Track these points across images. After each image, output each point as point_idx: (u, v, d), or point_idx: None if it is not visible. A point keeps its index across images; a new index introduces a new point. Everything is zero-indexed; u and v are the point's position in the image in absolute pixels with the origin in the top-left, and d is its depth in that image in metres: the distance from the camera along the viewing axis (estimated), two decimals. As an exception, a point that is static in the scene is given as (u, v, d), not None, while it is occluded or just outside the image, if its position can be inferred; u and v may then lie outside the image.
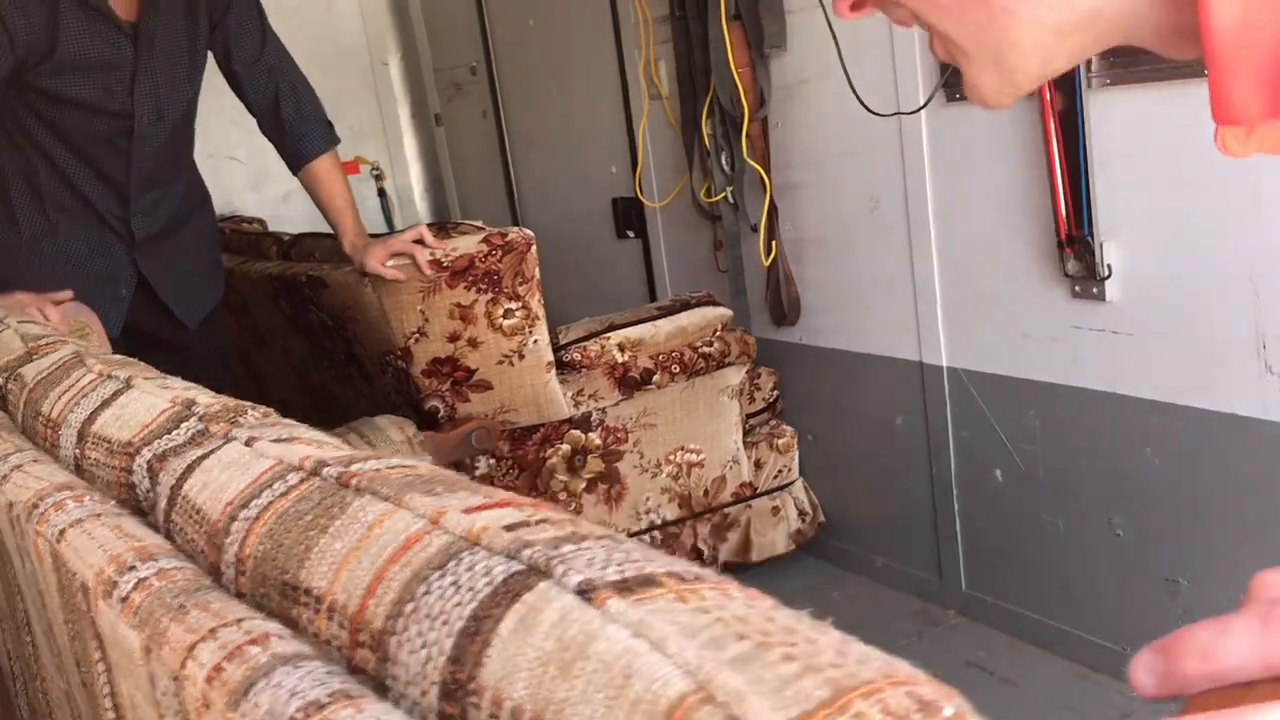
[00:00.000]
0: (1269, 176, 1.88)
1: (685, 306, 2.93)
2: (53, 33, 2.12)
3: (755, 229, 2.89)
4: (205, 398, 0.84)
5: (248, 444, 0.69)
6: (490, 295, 2.40)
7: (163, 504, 0.71)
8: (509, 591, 0.40)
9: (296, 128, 2.41)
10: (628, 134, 3.43)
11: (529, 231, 2.45)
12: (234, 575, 0.59)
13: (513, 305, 2.43)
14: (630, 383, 2.78)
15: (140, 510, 0.80)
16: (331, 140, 2.45)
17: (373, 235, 2.47)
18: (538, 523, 0.44)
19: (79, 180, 2.30)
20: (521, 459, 2.72)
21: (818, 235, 2.83)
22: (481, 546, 0.43)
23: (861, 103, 2.46)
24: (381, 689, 0.44)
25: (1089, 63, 2.08)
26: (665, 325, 2.84)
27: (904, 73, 2.46)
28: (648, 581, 0.38)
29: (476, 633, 0.40)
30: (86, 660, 0.71)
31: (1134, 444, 2.21)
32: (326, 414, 3.03)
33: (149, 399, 0.89)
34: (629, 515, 2.85)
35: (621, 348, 2.77)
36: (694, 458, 2.91)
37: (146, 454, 0.81)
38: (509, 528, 0.43)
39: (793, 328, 2.97)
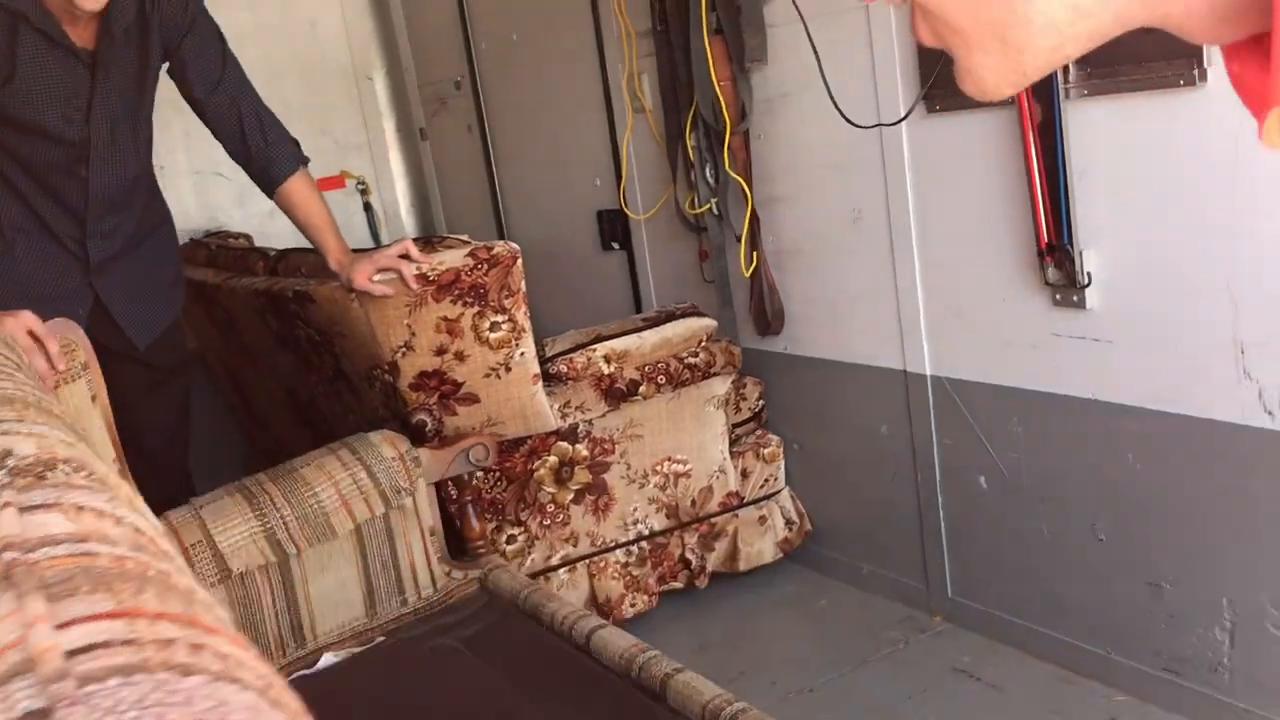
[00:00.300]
0: (1244, 185, 1.91)
1: (671, 318, 2.95)
2: (11, 58, 2.15)
3: (739, 240, 2.91)
4: (29, 447, 0.68)
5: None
6: (476, 309, 2.41)
7: None
8: None
9: (263, 152, 2.41)
10: (612, 147, 3.45)
11: (515, 245, 2.46)
12: None
13: (499, 318, 2.44)
14: (617, 394, 2.80)
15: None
16: (300, 159, 2.45)
17: (358, 250, 2.47)
18: (124, 644, 0.38)
19: (37, 204, 2.33)
20: (509, 471, 2.73)
21: (801, 246, 2.85)
22: (34, 673, 0.37)
23: (843, 115, 2.48)
24: None
25: (1067, 73, 2.11)
26: (651, 336, 2.86)
27: (885, 85, 2.49)
28: None
29: None
30: None
31: (1115, 450, 2.23)
32: (315, 429, 3.04)
33: None
34: (616, 526, 2.86)
35: (608, 359, 2.78)
36: (681, 468, 2.92)
37: None
38: (74, 652, 0.37)
39: (777, 338, 2.98)
